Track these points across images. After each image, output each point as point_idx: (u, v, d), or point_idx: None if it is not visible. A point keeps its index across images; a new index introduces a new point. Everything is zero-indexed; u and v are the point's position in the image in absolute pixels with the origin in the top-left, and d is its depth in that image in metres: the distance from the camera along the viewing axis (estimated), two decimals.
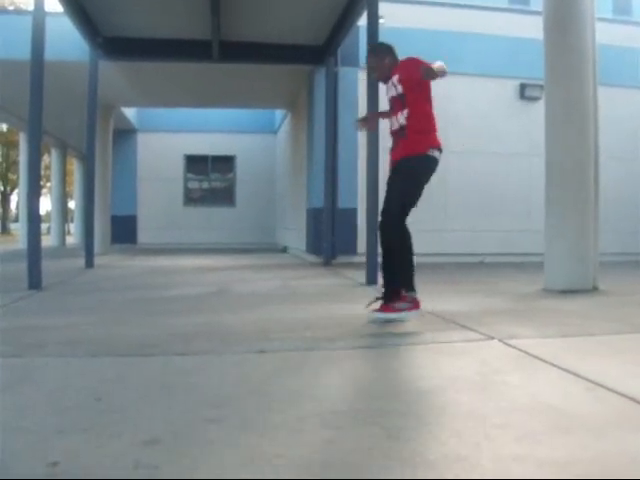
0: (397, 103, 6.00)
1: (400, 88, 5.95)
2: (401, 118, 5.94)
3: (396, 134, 6.02)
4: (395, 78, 6.00)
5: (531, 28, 11.65)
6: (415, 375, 3.85)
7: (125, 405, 3.17)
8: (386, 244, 5.95)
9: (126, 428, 2.79)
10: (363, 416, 2.97)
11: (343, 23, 12.76)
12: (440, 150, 5.96)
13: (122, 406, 3.15)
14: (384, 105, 10.29)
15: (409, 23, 14.81)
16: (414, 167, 5.89)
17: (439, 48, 14.56)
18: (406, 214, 5.83)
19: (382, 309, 5.80)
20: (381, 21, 10.56)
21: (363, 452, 2.50)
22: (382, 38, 9.90)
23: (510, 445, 2.58)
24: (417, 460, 2.42)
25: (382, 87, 10.34)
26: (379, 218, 6.00)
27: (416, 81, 5.82)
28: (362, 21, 11.28)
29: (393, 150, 6.04)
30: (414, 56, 5.97)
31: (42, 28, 8.97)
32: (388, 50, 6.29)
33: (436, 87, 11.50)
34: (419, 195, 5.90)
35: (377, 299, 5.91)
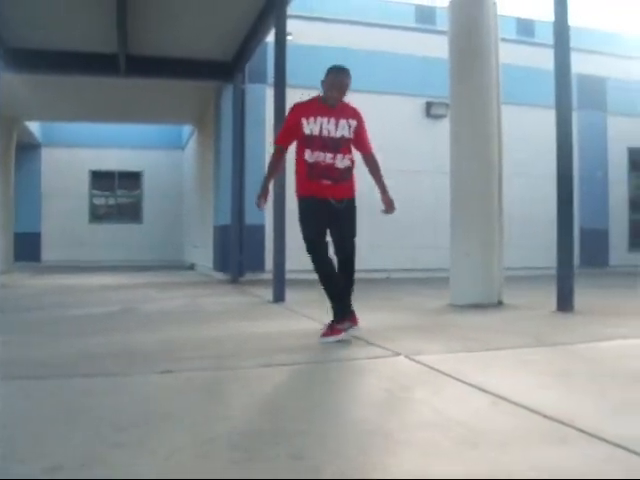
0: (345, 144, 6.01)
1: (352, 133, 6.05)
2: (346, 160, 6.01)
3: (339, 172, 5.97)
4: (353, 122, 6.07)
5: (437, 47, 11.82)
6: (321, 393, 3.83)
7: (27, 431, 3.05)
8: (353, 269, 6.14)
9: (28, 455, 2.69)
10: (270, 436, 2.92)
11: (251, 40, 12.76)
12: None
13: (23, 432, 3.03)
14: None
15: (317, 40, 14.89)
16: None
17: (346, 65, 14.66)
18: None
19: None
20: (289, 38, 10.56)
21: (267, 473, 2.46)
22: (290, 55, 9.94)
23: (415, 461, 2.57)
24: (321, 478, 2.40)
25: (290, 105, 10.37)
26: (346, 247, 6.09)
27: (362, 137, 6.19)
28: (270, 38, 11.28)
29: (336, 185, 5.96)
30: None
31: None
32: None
33: None
34: None
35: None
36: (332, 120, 5.95)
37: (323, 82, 6.12)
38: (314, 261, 5.96)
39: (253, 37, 12.60)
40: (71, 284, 14.07)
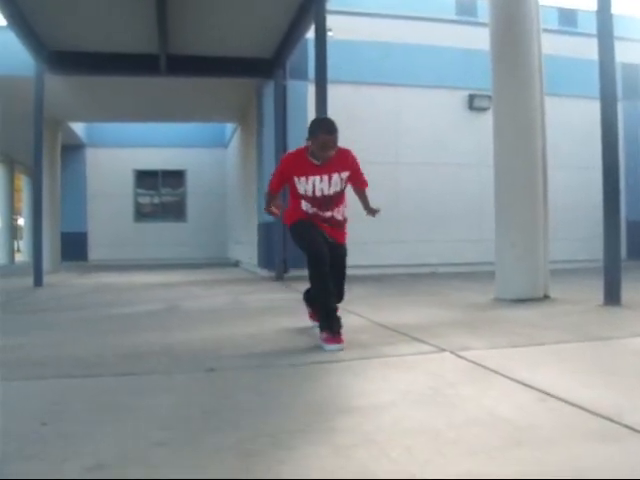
0: (339, 197, 5.95)
1: (345, 184, 5.92)
2: (339, 214, 6.04)
3: (337, 222, 6.05)
4: (345, 173, 5.87)
5: (479, 39, 11.73)
6: (366, 390, 3.80)
7: (71, 429, 3.07)
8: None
9: (71, 454, 2.70)
10: (314, 434, 2.92)
11: (291, 36, 12.75)
12: None
13: (68, 430, 3.05)
14: (333, 119, 10.27)
15: (358, 35, 14.86)
16: None
17: (388, 60, 14.68)
18: None
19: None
20: (330, 34, 10.56)
21: (312, 473, 2.45)
22: (331, 50, 9.92)
23: (463, 461, 2.54)
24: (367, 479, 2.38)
25: (332, 102, 10.36)
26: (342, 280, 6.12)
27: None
28: (310, 34, 11.28)
29: (335, 231, 6.03)
30: (351, 151, 5.99)
31: None
32: None
33: (386, 99, 11.46)
34: None
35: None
36: (325, 177, 5.77)
37: (311, 139, 5.69)
38: (315, 275, 5.67)
39: (293, 33, 12.60)
40: (116, 283, 14.19)
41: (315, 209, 5.88)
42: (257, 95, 16.18)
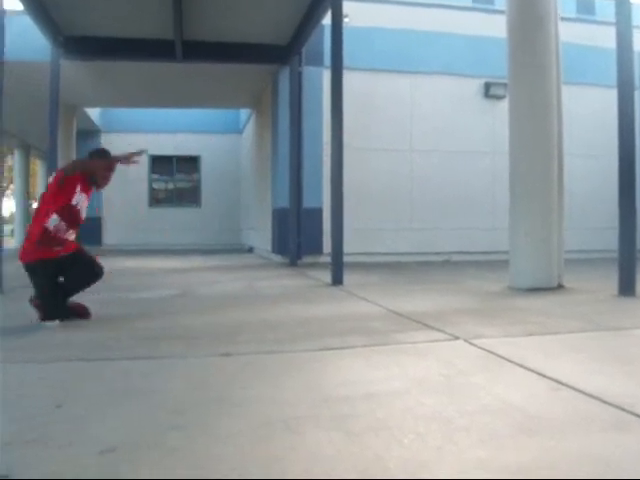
0: None
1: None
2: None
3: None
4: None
5: (495, 27, 11.68)
6: (379, 377, 3.80)
7: (85, 412, 3.10)
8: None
9: (84, 436, 2.72)
10: (325, 421, 2.92)
11: (307, 22, 12.71)
12: None
13: (82, 413, 3.07)
14: (348, 106, 10.32)
15: (375, 22, 14.82)
16: None
17: (404, 47, 14.62)
18: None
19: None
20: (346, 20, 10.51)
21: (324, 459, 2.46)
22: (347, 37, 9.90)
23: (474, 448, 2.54)
24: (378, 466, 2.38)
25: (348, 89, 10.35)
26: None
27: None
28: (327, 20, 11.23)
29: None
30: None
31: (1, 27, 8.80)
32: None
33: (401, 86, 11.19)
34: None
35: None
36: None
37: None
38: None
39: (309, 20, 12.55)
40: (131, 267, 14.21)
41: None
42: (273, 81, 16.15)
